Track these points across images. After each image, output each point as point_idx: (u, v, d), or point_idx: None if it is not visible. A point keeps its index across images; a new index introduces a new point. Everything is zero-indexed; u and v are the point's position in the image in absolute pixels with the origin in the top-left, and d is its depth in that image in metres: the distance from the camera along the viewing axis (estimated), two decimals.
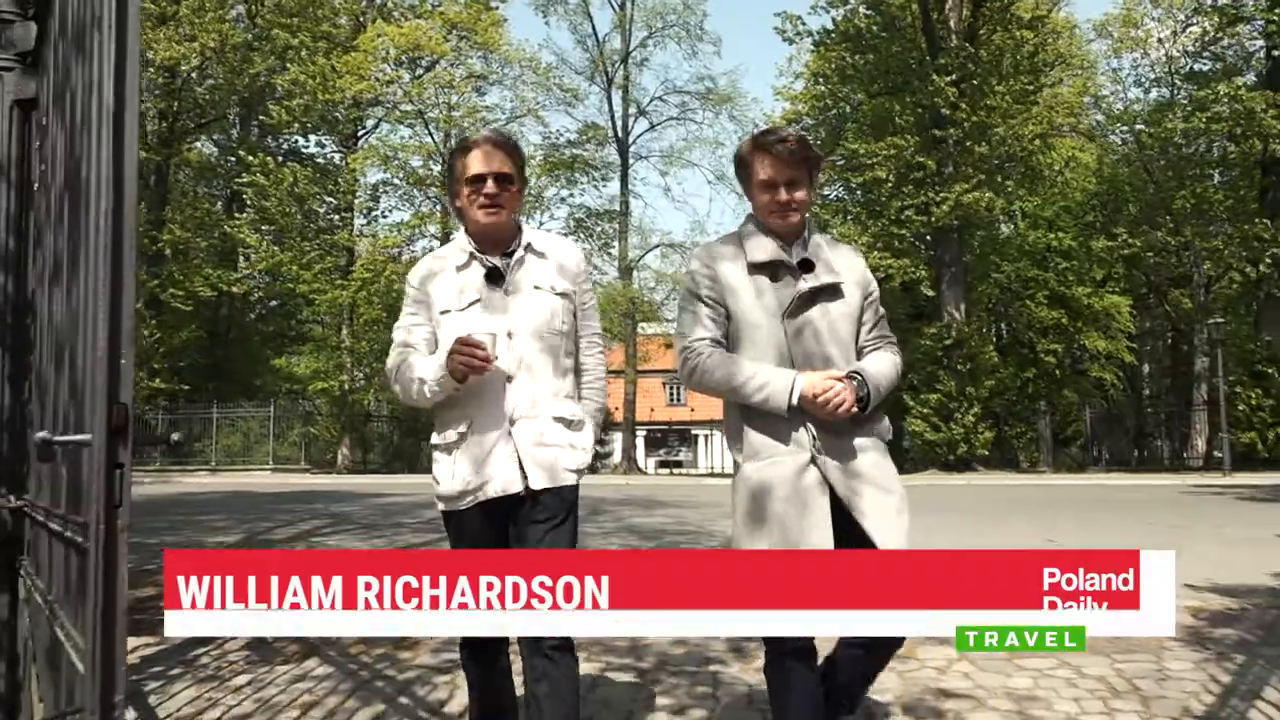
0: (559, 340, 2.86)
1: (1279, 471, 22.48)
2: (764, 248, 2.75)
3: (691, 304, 2.79)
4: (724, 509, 11.18)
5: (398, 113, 34.31)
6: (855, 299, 2.77)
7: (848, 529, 2.56)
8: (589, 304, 3.01)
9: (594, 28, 36.14)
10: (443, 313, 2.82)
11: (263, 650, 4.54)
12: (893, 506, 2.64)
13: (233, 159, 36.97)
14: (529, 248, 2.89)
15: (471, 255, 2.85)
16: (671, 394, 54.15)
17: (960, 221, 28.06)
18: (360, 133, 36.49)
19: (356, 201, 34.83)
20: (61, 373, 2.31)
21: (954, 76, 27.31)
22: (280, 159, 34.89)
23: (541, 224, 35.80)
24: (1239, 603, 5.04)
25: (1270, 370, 26.68)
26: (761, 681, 3.96)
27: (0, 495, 3.43)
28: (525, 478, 2.72)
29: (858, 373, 2.65)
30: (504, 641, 2.89)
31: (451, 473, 2.77)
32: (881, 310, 2.88)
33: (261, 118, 36.74)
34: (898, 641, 2.79)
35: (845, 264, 2.80)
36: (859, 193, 32.67)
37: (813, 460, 2.62)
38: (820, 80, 33.51)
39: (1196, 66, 30.71)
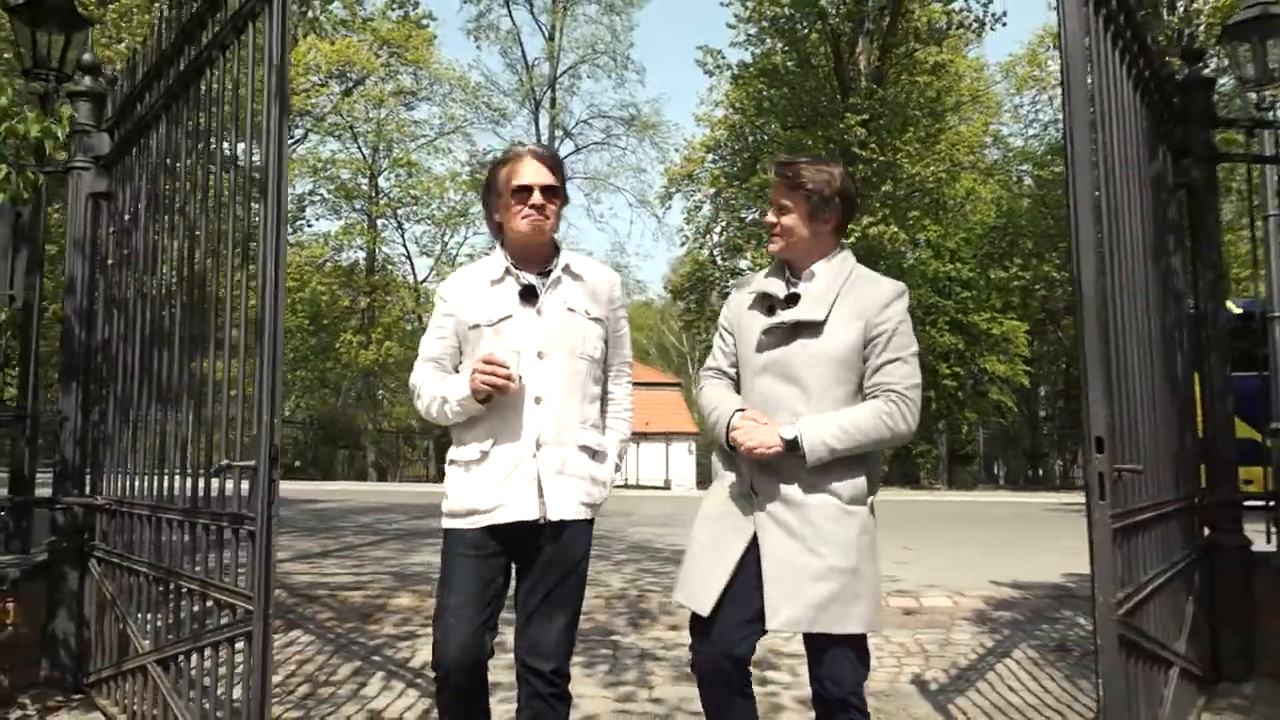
0: (589, 365, 2.82)
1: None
2: (767, 281, 2.73)
3: (716, 333, 2.88)
4: (641, 518, 12.42)
5: (326, 124, 34.97)
6: (846, 339, 2.59)
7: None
8: (622, 332, 2.97)
9: (524, 53, 37.31)
10: (472, 328, 2.77)
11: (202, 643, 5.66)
12: (811, 569, 2.49)
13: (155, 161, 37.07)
14: (566, 269, 2.84)
15: (508, 271, 2.81)
16: None
17: (865, 251, 29.89)
18: (289, 141, 36.99)
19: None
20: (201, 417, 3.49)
21: (864, 116, 29.15)
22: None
23: (466, 239, 36.84)
24: (1024, 594, 6.48)
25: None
26: (653, 645, 5.26)
27: (74, 495, 4.54)
28: (543, 506, 2.67)
29: (798, 421, 2.53)
30: (484, 688, 2.77)
31: (465, 490, 2.71)
32: (895, 354, 2.59)
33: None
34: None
35: (857, 300, 2.62)
36: None
37: (748, 494, 2.62)
38: (738, 110, 35.20)
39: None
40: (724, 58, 32.93)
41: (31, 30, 6.69)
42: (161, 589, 3.65)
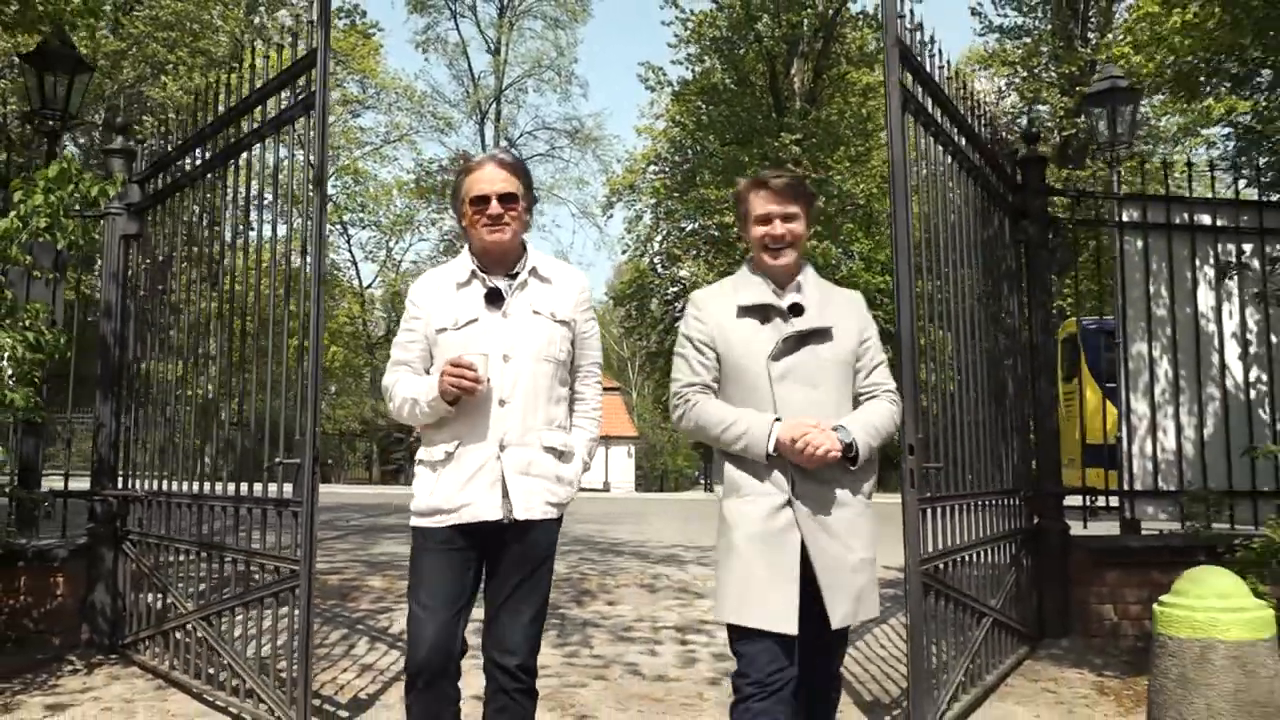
0: (555, 368, 2.84)
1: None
2: (754, 291, 2.78)
3: (683, 348, 2.83)
4: (582, 516, 13.39)
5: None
6: (848, 344, 2.76)
7: (809, 576, 2.62)
8: (590, 334, 2.98)
9: (470, 66, 38.07)
10: (439, 331, 2.81)
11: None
12: (850, 564, 2.64)
13: (95, 162, 37.22)
14: (534, 271, 2.88)
15: (474, 274, 2.85)
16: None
17: None
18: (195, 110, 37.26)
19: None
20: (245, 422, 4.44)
21: (798, 136, 30.46)
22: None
23: (411, 245, 37.42)
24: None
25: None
26: (593, 616, 6.26)
27: (111, 488, 5.42)
28: (507, 506, 2.72)
29: (842, 425, 2.64)
30: (455, 685, 2.82)
31: (431, 490, 2.76)
32: (880, 357, 2.84)
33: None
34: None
35: (842, 308, 2.81)
36: (714, 231, 35.62)
37: (789, 503, 2.63)
38: (678, 124, 36.35)
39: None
40: (665, 74, 34.12)
41: (40, 75, 7.56)
42: (207, 562, 4.59)
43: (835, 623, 2.59)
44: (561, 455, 2.84)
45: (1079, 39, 29.44)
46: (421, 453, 2.85)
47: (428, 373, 2.85)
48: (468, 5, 37.45)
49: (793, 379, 2.68)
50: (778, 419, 2.63)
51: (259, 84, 4.51)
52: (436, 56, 43.58)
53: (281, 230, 4.73)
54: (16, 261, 4.51)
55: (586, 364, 2.99)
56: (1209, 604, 2.97)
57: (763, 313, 2.74)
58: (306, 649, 3.74)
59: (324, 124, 3.87)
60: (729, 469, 2.74)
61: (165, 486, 4.98)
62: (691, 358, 2.80)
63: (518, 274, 2.86)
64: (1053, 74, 29.96)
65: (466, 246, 2.94)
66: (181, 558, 4.84)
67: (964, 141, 4.83)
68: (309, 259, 3.89)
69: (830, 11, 30.10)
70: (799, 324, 2.71)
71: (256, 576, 4.33)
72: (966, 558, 4.43)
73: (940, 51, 4.47)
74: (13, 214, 4.42)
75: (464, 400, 2.69)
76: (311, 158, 3.93)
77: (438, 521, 2.74)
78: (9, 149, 7.62)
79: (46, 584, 5.27)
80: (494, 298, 2.81)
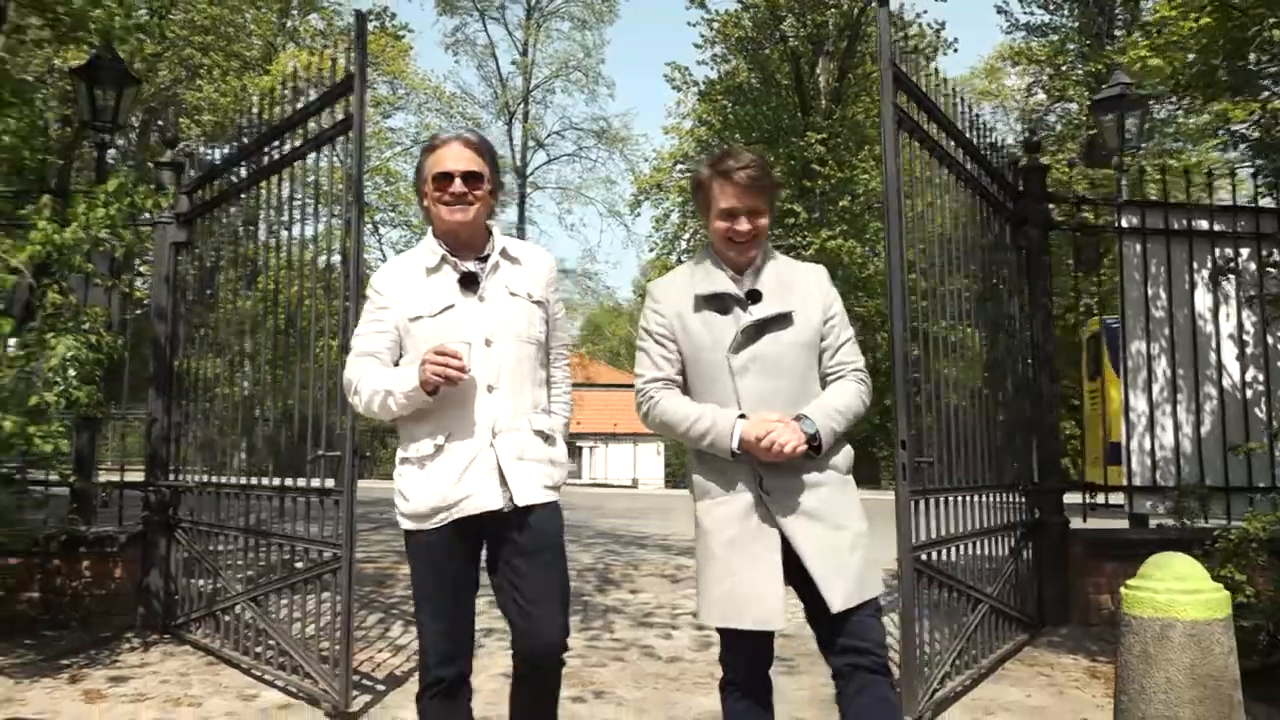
0: (537, 349, 2.79)
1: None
2: (711, 280, 2.69)
3: (644, 342, 2.76)
4: (609, 511, 13.74)
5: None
6: (810, 325, 2.68)
7: (800, 566, 2.56)
8: (560, 314, 2.93)
9: (499, 67, 38.52)
10: (413, 319, 2.71)
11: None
12: (844, 544, 2.57)
13: (131, 163, 38.07)
14: (504, 253, 2.80)
15: (443, 259, 2.75)
16: None
17: (824, 264, 31.30)
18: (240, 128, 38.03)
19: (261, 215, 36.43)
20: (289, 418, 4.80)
21: (823, 135, 30.64)
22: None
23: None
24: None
25: (1077, 403, 30.74)
26: (616, 603, 6.58)
27: (163, 479, 5.80)
28: (507, 493, 2.64)
29: (806, 415, 2.57)
30: (466, 692, 2.80)
31: (424, 488, 2.65)
32: (845, 334, 2.76)
33: (159, 123, 37.96)
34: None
35: (802, 288, 2.72)
36: None
37: (760, 500, 2.58)
38: (704, 124, 36.62)
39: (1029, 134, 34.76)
40: (691, 74, 34.42)
41: (90, 88, 7.98)
42: (254, 548, 4.96)
43: (835, 607, 2.50)
44: (548, 439, 2.78)
45: (1106, 36, 29.38)
46: (404, 450, 2.72)
47: (396, 364, 2.74)
48: (496, 7, 37.87)
49: (755, 370, 2.61)
50: (742, 415, 2.57)
51: (289, 89, 4.89)
52: (465, 58, 44.08)
53: (318, 237, 5.09)
54: (81, 270, 4.89)
55: (558, 345, 2.94)
56: (1169, 586, 3.24)
57: (721, 302, 2.67)
58: (348, 624, 4.09)
59: (361, 144, 4.21)
60: (697, 472, 2.71)
61: (214, 478, 5.35)
62: (653, 351, 2.73)
63: (488, 256, 2.78)
64: (1079, 72, 29.94)
65: (430, 231, 2.83)
66: (230, 544, 5.21)
67: (963, 155, 5.09)
68: (349, 266, 4.21)
69: (855, 10, 30.17)
70: (757, 312, 2.64)
71: (300, 562, 4.68)
72: (962, 547, 4.70)
73: (936, 71, 4.74)
74: (75, 225, 4.80)
75: (446, 390, 2.57)
76: (354, 170, 4.28)
77: (438, 521, 2.64)
78: (66, 160, 8.03)
79: (106, 568, 5.67)
80: (469, 281, 2.72)
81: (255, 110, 5.32)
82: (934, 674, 4.21)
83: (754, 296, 2.66)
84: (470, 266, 2.75)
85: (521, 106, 38.01)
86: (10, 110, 5.66)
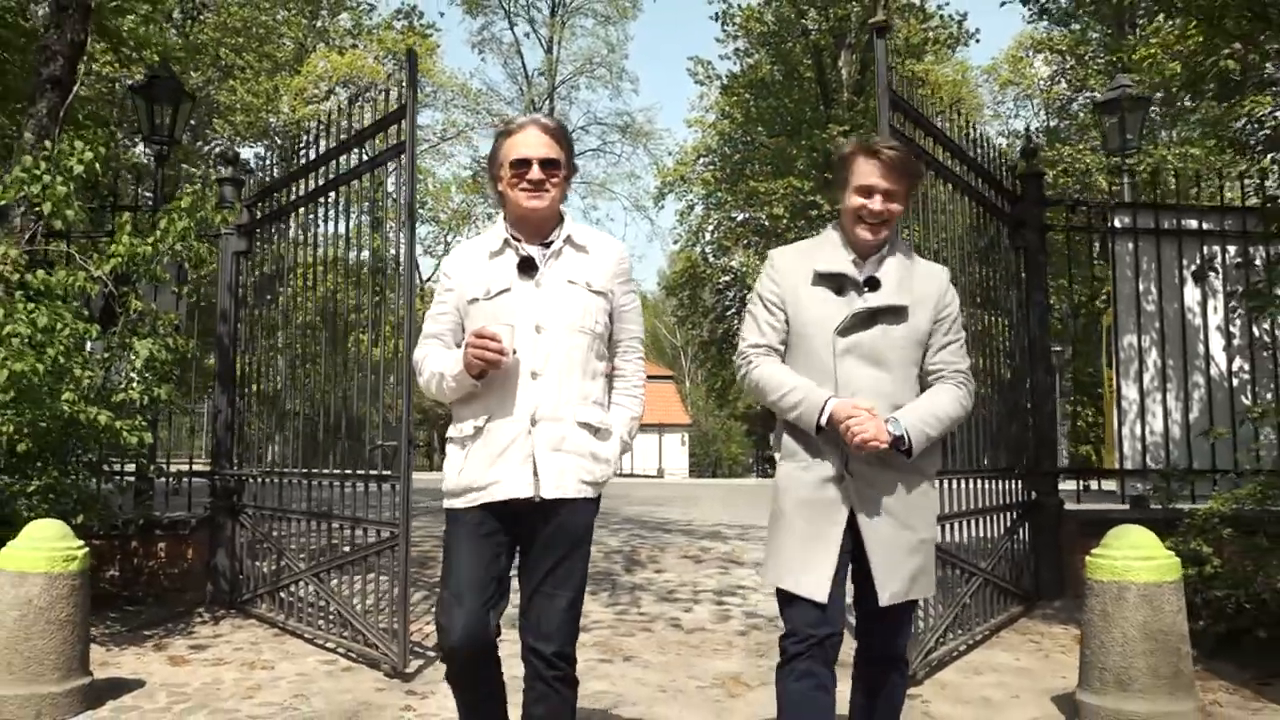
0: (590, 340, 2.72)
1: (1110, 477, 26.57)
2: (833, 259, 2.68)
3: (754, 306, 2.76)
4: (635, 499, 14.24)
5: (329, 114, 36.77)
6: (923, 323, 2.66)
7: (860, 551, 2.59)
8: (629, 306, 2.85)
9: (524, 64, 39.07)
10: (470, 302, 2.72)
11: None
12: (909, 546, 2.60)
13: (152, 152, 38.92)
14: (569, 240, 2.76)
15: (507, 242, 2.74)
16: None
17: None
18: (299, 147, 38.90)
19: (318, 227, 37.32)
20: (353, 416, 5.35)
21: (845, 127, 30.90)
22: (212, 163, 37.06)
23: (468, 239, 38.61)
24: None
25: (1100, 391, 30.92)
26: (643, 581, 7.08)
27: (229, 468, 6.36)
28: (538, 483, 2.60)
29: (894, 418, 2.56)
30: (496, 665, 2.76)
31: (460, 468, 2.67)
32: (955, 335, 2.73)
33: (191, 122, 38.88)
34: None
35: (921, 284, 2.69)
36: (764, 222, 36.25)
37: (841, 477, 2.60)
38: (727, 117, 36.99)
39: (1054, 123, 34.93)
40: (713, 68, 34.83)
41: (149, 105, 8.55)
42: (315, 530, 5.50)
43: (883, 600, 2.56)
44: (598, 432, 2.72)
45: (1129, 25, 29.47)
46: (451, 430, 2.75)
47: (458, 346, 2.74)
48: (521, 4, 38.40)
49: (856, 355, 2.61)
50: (833, 396, 2.58)
51: (343, 114, 5.51)
52: (491, 56, 44.71)
53: (372, 243, 5.63)
54: (160, 280, 5.43)
55: (626, 338, 2.85)
56: (1125, 554, 3.70)
57: (837, 282, 2.66)
58: (405, 594, 4.62)
59: (413, 169, 4.72)
60: (787, 434, 2.71)
61: (278, 466, 5.91)
62: (761, 318, 2.74)
63: (552, 243, 2.74)
64: (1100, 61, 30.07)
65: (501, 215, 2.83)
66: (292, 526, 5.76)
67: (963, 167, 5.55)
68: (405, 279, 4.73)
69: (878, 4, 30.46)
70: (872, 300, 2.62)
71: (358, 542, 5.22)
72: (958, 525, 5.16)
73: (932, 91, 5.18)
74: (152, 239, 5.34)
75: (493, 373, 2.58)
76: (404, 194, 4.80)
77: (469, 501, 2.65)
78: (138, 180, 8.61)
79: (179, 550, 6.24)
80: (527, 266, 2.70)
81: (312, 133, 5.83)
82: (929, 638, 4.68)
83: (872, 284, 2.65)
84: (532, 251, 2.73)
85: (547, 103, 38.51)
86: (87, 133, 6.20)
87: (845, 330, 2.61)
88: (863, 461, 2.57)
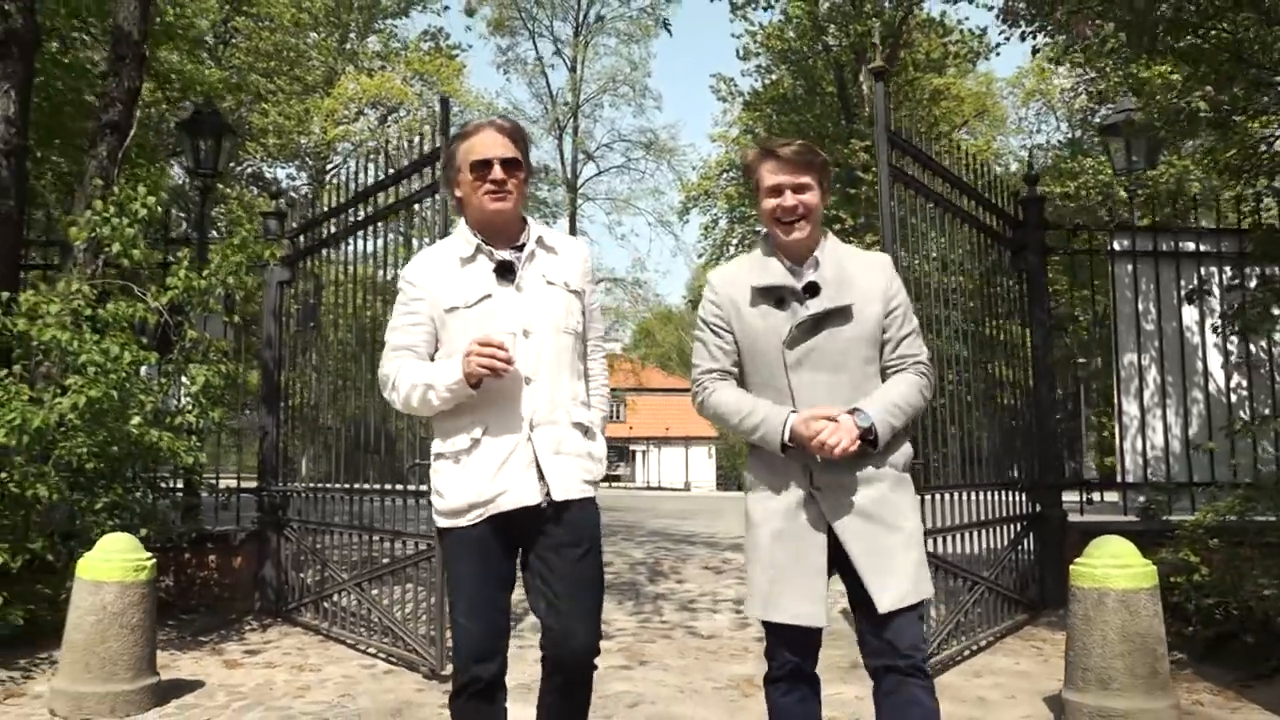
0: (574, 340, 2.72)
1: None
2: (769, 272, 2.64)
3: (701, 332, 2.73)
4: (660, 512, 14.61)
5: (364, 150, 37.49)
6: (871, 319, 2.61)
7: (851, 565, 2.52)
8: (595, 305, 2.88)
9: (548, 83, 39.65)
10: (449, 310, 2.64)
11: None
12: (897, 545, 2.53)
13: (198, 185, 39.85)
14: (540, 242, 2.73)
15: (478, 248, 2.67)
16: (612, 412, 57.57)
17: None
18: (329, 167, 39.75)
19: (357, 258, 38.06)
20: (383, 433, 5.74)
21: (867, 142, 31.16)
22: (245, 184, 37.89)
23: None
24: None
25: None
26: (665, 591, 7.42)
27: (274, 484, 6.76)
28: (545, 488, 2.57)
29: (859, 409, 2.50)
30: (501, 691, 2.67)
31: (460, 483, 2.59)
32: (909, 326, 2.67)
33: (225, 143, 39.71)
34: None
35: (865, 278, 2.64)
36: None
37: (810, 497, 2.54)
38: (750, 132, 37.37)
39: (1079, 134, 35.00)
40: (735, 85, 35.22)
41: (194, 140, 9.02)
42: (357, 543, 5.89)
43: (883, 607, 2.46)
44: (588, 432, 2.73)
45: (1149, 37, 29.49)
46: (438, 445, 2.67)
47: (432, 358, 2.69)
48: (545, 25, 39.01)
49: (810, 365, 2.56)
50: (793, 411, 2.53)
51: (381, 155, 5.89)
52: (516, 76, 45.39)
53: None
54: (214, 310, 5.86)
55: (594, 338, 2.87)
56: (1105, 563, 4.01)
57: (776, 294, 2.61)
58: (441, 600, 4.97)
59: (446, 209, 5.10)
60: (751, 465, 2.69)
61: (322, 483, 6.31)
62: (710, 342, 2.70)
63: (524, 245, 2.70)
64: (1119, 74, 30.17)
65: (462, 221, 2.75)
66: (334, 539, 6.16)
67: (966, 199, 5.88)
68: None
69: (898, 20, 30.76)
70: (814, 306, 2.57)
71: (397, 553, 5.60)
72: (964, 536, 5.48)
73: (930, 128, 5.52)
74: (207, 272, 5.77)
75: (486, 382, 2.52)
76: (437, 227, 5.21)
77: (474, 517, 2.57)
78: (187, 213, 9.09)
79: (229, 561, 6.66)
80: (505, 271, 2.65)
81: (353, 171, 6.25)
82: (931, 642, 4.99)
83: (812, 289, 2.59)
84: (506, 255, 2.68)
85: (571, 121, 39.07)
86: (141, 170, 6.66)
87: (793, 342, 2.57)
88: (830, 472, 2.53)
